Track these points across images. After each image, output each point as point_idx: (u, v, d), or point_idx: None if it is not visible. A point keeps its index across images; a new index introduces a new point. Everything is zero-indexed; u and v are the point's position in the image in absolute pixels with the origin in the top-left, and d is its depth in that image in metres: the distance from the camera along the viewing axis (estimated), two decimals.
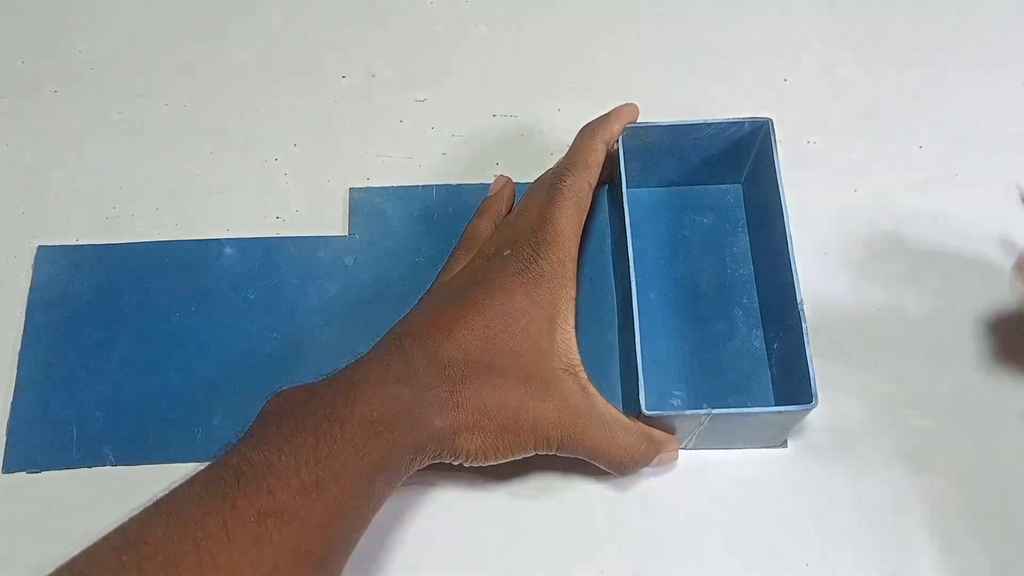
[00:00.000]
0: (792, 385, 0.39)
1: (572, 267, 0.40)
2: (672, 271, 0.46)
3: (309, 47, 0.54)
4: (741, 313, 0.45)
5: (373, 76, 0.53)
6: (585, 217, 0.42)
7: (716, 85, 0.52)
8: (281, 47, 0.54)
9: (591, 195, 0.42)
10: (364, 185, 0.49)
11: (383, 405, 0.34)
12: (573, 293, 0.40)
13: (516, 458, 0.38)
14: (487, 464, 0.37)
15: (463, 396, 0.36)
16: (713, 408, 0.38)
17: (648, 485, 0.42)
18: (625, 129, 0.43)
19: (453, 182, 0.49)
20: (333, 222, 0.48)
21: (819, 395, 0.43)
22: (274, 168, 0.50)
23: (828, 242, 0.47)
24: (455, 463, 0.37)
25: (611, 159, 0.43)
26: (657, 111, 0.44)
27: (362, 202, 0.48)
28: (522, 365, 0.37)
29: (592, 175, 0.42)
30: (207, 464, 0.33)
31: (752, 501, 0.41)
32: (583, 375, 0.39)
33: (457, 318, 0.38)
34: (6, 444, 0.43)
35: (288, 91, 0.52)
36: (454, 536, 0.41)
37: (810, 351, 0.38)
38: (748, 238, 0.47)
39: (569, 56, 0.53)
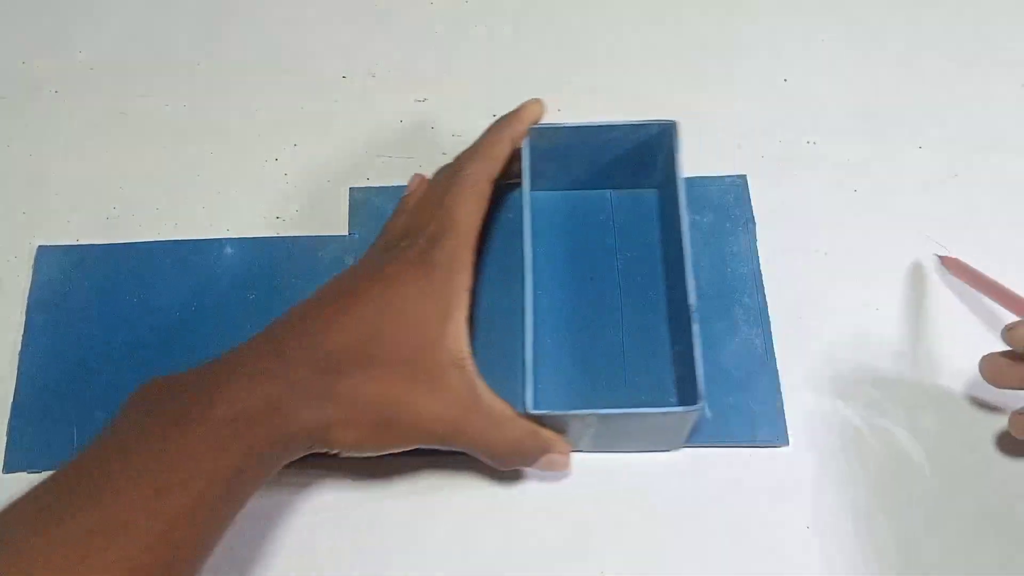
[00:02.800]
0: (688, 386, 0.39)
1: (469, 257, 0.39)
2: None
3: (309, 47, 0.54)
4: (741, 312, 0.45)
5: (373, 76, 0.53)
6: (486, 208, 0.41)
7: (716, 85, 0.52)
8: (281, 47, 0.54)
9: (492, 187, 0.42)
10: (364, 185, 0.49)
11: (247, 400, 0.34)
12: (468, 283, 0.39)
13: (396, 451, 0.37)
14: (364, 456, 0.37)
15: (337, 388, 0.35)
16: (599, 409, 0.38)
17: (648, 485, 0.42)
18: (533, 130, 0.43)
19: None
20: (333, 222, 0.48)
21: (819, 394, 0.44)
22: (274, 168, 0.50)
23: (828, 242, 0.47)
24: (331, 453, 0.37)
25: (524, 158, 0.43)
26: (658, 110, 0.44)
27: (362, 202, 0.48)
28: (406, 357, 0.37)
29: (494, 168, 0.42)
30: (51, 473, 0.32)
31: (752, 500, 0.41)
32: (471, 368, 0.38)
33: (342, 309, 0.37)
34: (6, 444, 0.43)
35: (288, 91, 0.52)
36: (451, 534, 0.41)
37: (699, 353, 0.38)
38: (752, 237, 0.47)
39: (569, 56, 0.53)
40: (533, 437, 0.39)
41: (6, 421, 0.43)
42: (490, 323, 0.44)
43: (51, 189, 0.49)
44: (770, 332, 0.44)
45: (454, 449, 0.38)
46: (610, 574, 0.40)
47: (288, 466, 0.36)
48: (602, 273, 0.46)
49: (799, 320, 0.45)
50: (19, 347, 0.45)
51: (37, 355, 0.45)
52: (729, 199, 0.48)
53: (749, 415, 0.43)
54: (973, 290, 0.45)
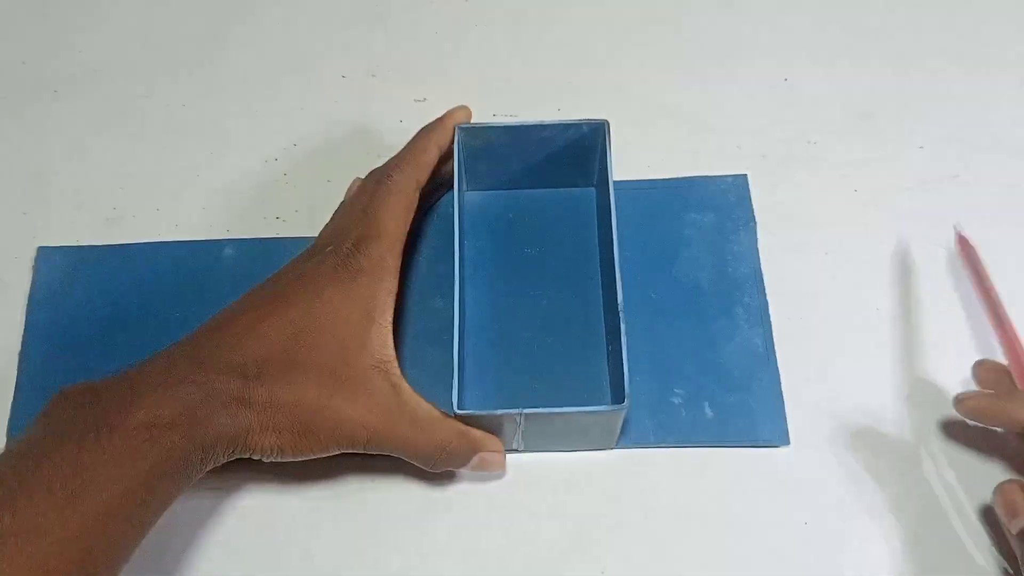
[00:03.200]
0: (620, 386, 0.39)
1: (394, 262, 0.40)
2: (673, 270, 0.46)
3: (309, 47, 0.54)
4: (742, 312, 0.45)
5: (373, 76, 0.53)
6: (412, 214, 0.41)
7: (716, 85, 0.52)
8: (281, 47, 0.54)
9: (419, 193, 0.42)
10: None
11: (162, 407, 0.34)
12: (394, 288, 0.39)
13: (319, 456, 0.37)
14: (286, 460, 0.37)
15: (255, 394, 0.36)
16: (525, 408, 0.38)
17: (648, 484, 0.42)
18: (463, 129, 0.43)
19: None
20: None
21: (819, 394, 0.44)
22: (274, 168, 0.50)
23: (828, 242, 0.47)
24: (254, 458, 0.37)
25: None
26: (657, 110, 0.44)
27: None
28: (326, 363, 0.37)
29: (421, 174, 0.42)
30: None
31: (752, 500, 0.41)
32: (395, 372, 0.38)
33: (263, 315, 0.37)
34: (6, 444, 0.43)
35: (288, 91, 0.52)
36: (451, 534, 0.41)
37: (626, 354, 0.38)
38: (752, 237, 0.47)
39: (569, 56, 0.53)
40: (462, 438, 0.39)
41: (6, 421, 0.43)
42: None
43: (52, 190, 0.49)
44: (771, 332, 0.44)
45: (381, 453, 0.38)
46: (610, 574, 0.40)
47: (214, 471, 0.36)
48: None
49: (800, 320, 0.45)
50: (19, 347, 0.45)
51: (38, 356, 0.45)
52: (730, 199, 0.48)
53: (750, 415, 0.43)
54: (973, 288, 0.44)
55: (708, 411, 0.43)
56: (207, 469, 0.36)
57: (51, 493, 0.31)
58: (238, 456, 0.36)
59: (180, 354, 0.36)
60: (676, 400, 0.43)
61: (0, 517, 0.30)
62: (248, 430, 0.36)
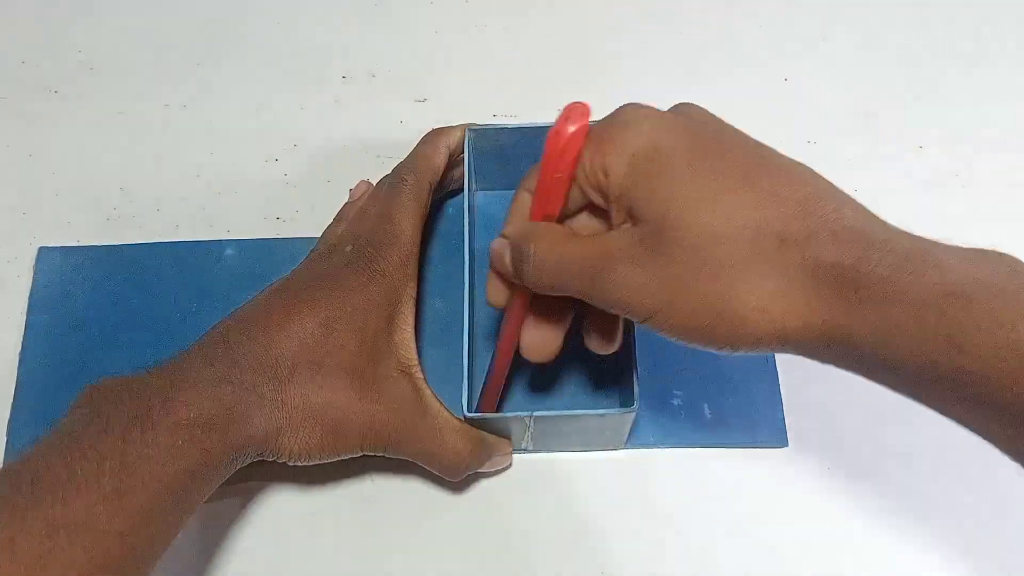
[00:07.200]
0: (629, 387, 0.39)
1: (413, 266, 0.40)
2: None
3: (309, 47, 0.54)
4: None
5: (373, 76, 0.53)
6: (425, 216, 0.42)
7: (716, 85, 0.52)
8: (281, 47, 0.54)
9: (431, 196, 0.42)
10: None
11: (202, 407, 0.34)
12: (414, 293, 0.40)
13: (343, 458, 0.37)
14: (311, 463, 0.37)
15: (288, 395, 0.36)
16: (535, 411, 0.38)
17: (648, 484, 0.42)
18: (474, 130, 0.43)
19: None
20: None
21: (818, 395, 0.44)
22: (274, 168, 0.50)
23: None
24: (279, 461, 0.37)
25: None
26: None
27: None
28: (354, 365, 0.37)
29: (433, 176, 0.42)
30: (6, 465, 0.32)
31: (752, 501, 0.42)
32: (419, 376, 0.39)
33: (291, 314, 0.37)
34: (6, 444, 0.43)
35: (288, 91, 0.52)
36: (451, 534, 0.41)
37: (636, 356, 0.38)
38: None
39: (569, 56, 0.53)
40: (478, 445, 0.39)
41: (6, 421, 0.43)
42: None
43: (51, 190, 0.49)
44: None
45: (399, 457, 0.38)
46: (609, 574, 0.40)
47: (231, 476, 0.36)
48: None
49: None
50: (19, 348, 0.45)
51: (37, 356, 0.45)
52: None
53: (749, 416, 0.43)
54: None
55: (707, 412, 0.43)
56: (235, 469, 0.35)
57: (99, 486, 0.31)
58: (264, 458, 0.36)
59: (215, 351, 0.36)
60: (676, 402, 0.43)
61: (50, 509, 0.30)
62: (279, 432, 0.35)
